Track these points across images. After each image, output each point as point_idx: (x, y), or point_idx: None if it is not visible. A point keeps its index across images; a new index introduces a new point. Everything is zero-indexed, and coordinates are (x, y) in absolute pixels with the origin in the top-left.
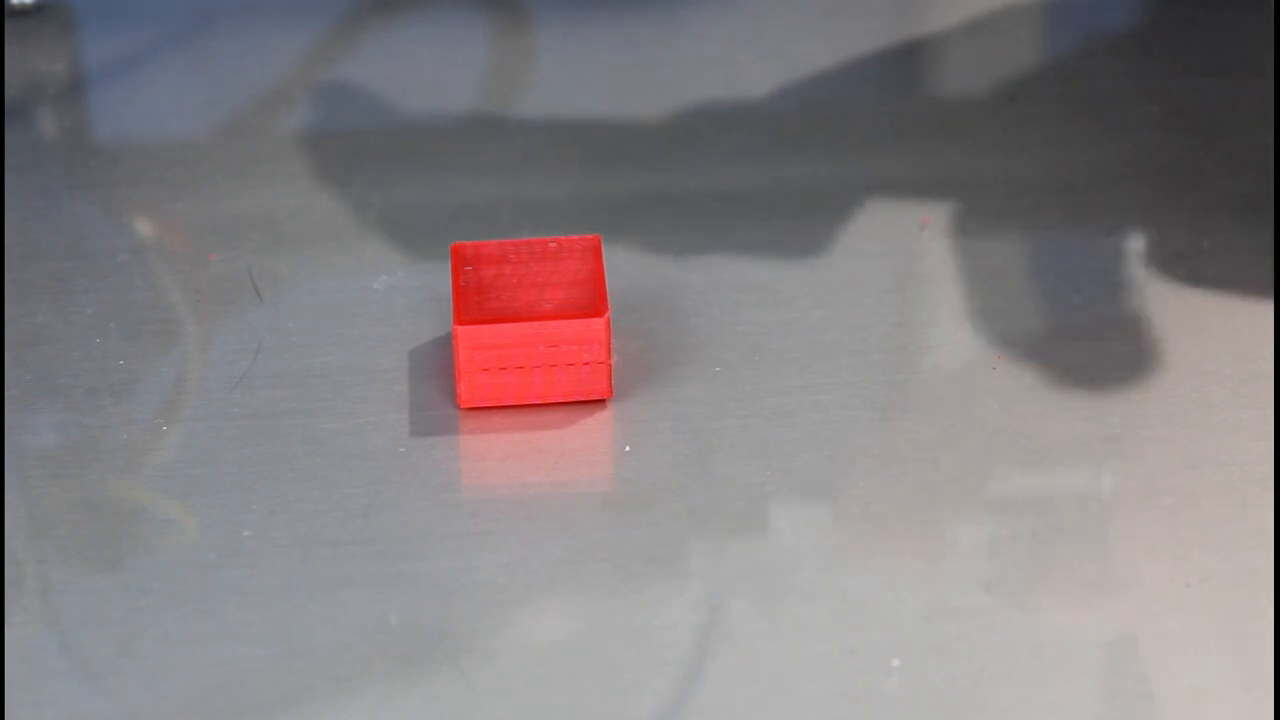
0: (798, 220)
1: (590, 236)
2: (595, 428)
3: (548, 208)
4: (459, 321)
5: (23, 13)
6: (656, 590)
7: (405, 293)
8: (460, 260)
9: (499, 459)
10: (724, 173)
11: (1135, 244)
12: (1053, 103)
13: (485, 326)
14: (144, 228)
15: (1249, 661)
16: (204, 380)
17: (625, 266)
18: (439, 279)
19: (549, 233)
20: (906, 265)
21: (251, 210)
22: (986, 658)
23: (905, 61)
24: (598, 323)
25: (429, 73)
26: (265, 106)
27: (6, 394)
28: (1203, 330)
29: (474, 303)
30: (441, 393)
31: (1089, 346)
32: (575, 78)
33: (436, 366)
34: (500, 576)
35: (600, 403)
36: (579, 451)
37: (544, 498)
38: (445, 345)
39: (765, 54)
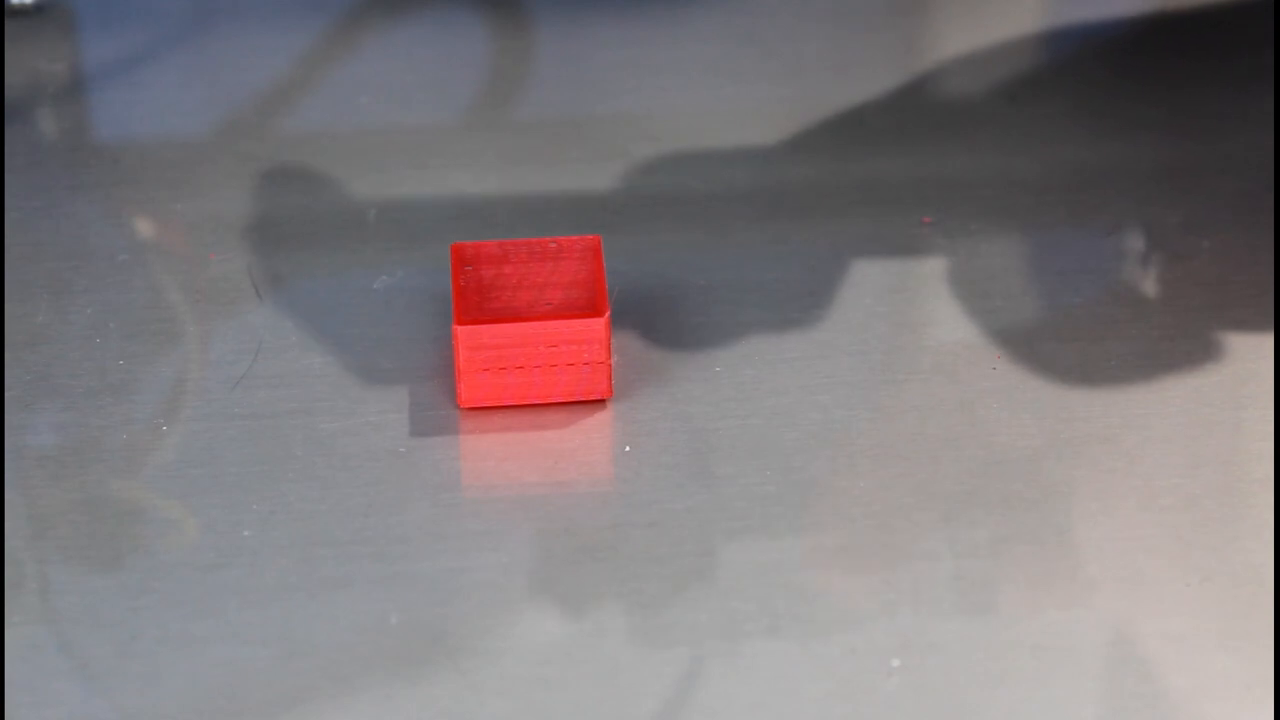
0: (798, 220)
1: (590, 236)
2: (595, 428)
3: (548, 208)
4: (459, 321)
5: (23, 13)
6: (656, 590)
7: (405, 293)
8: (460, 260)
9: (499, 459)
10: (724, 173)
11: (1135, 244)
12: (1053, 103)
13: (485, 326)
14: (144, 228)
15: (1249, 661)
16: (204, 380)
17: (625, 266)
18: (439, 279)
19: (549, 233)
20: (906, 265)
21: (251, 210)
22: (986, 658)
23: (905, 61)
24: (598, 323)
25: (429, 73)
26: (265, 106)
27: (6, 394)
28: (1203, 330)
29: (474, 303)
30: (441, 393)
31: (1089, 346)
32: (575, 78)
33: (436, 366)
34: (500, 576)
35: (600, 403)
36: (579, 451)
37: (544, 498)
38: (445, 345)
39: (765, 54)
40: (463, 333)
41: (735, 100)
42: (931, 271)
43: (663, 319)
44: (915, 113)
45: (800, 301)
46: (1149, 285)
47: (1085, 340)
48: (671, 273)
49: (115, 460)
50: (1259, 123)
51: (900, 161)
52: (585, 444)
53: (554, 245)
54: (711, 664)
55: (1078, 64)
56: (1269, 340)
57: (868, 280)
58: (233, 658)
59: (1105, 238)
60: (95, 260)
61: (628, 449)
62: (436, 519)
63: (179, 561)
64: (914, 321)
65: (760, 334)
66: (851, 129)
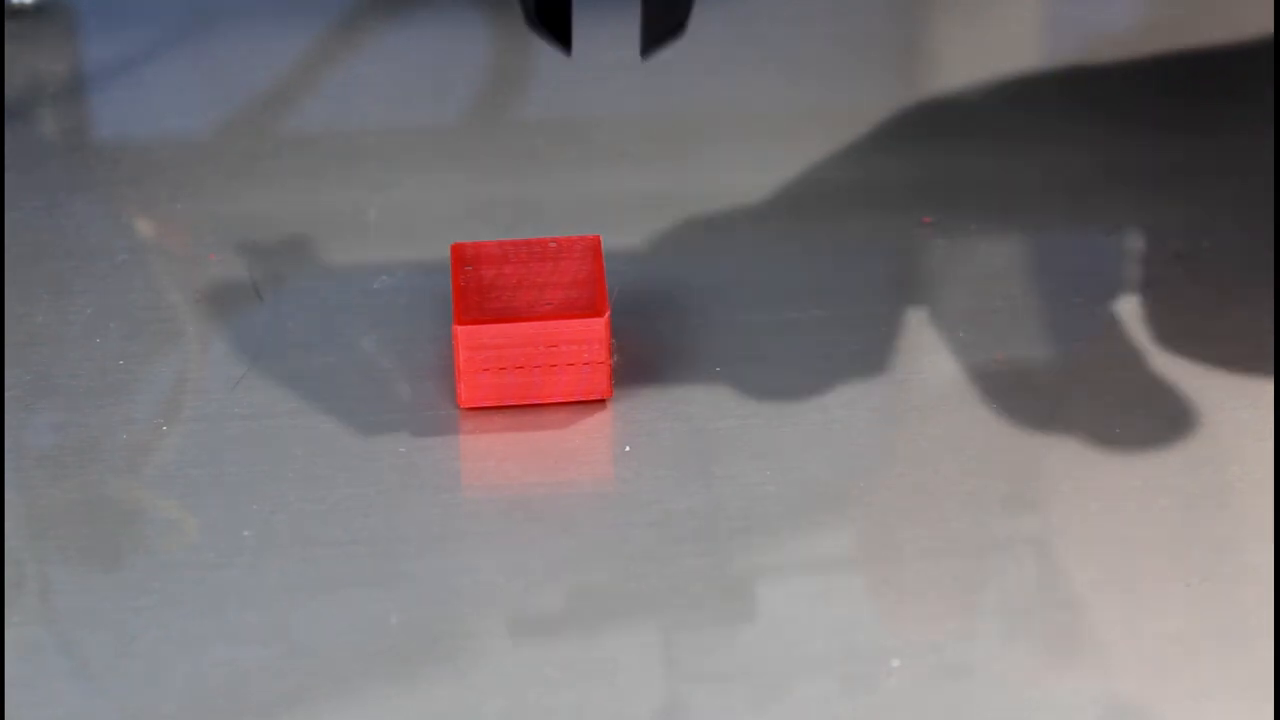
0: (798, 220)
1: (590, 236)
2: (595, 428)
3: (548, 208)
4: (459, 321)
5: (23, 13)
6: (657, 590)
7: (405, 293)
8: (460, 260)
9: (499, 459)
10: (724, 173)
11: (1135, 244)
12: (1053, 103)
13: (485, 326)
14: (144, 228)
15: (1249, 661)
16: (204, 380)
17: (625, 266)
18: (439, 279)
19: (549, 233)
20: (906, 265)
21: (251, 210)
22: (986, 658)
23: (905, 61)
24: (598, 323)
25: (429, 73)
26: (265, 106)
27: (6, 394)
28: (1203, 330)
29: (474, 303)
30: (441, 393)
31: (1089, 346)
32: (575, 78)
33: (436, 366)
34: (500, 576)
35: (600, 403)
36: (579, 451)
37: (544, 498)
38: (445, 345)
39: (765, 54)
40: (463, 333)
41: (735, 100)
42: (931, 271)
43: (663, 319)
44: (915, 113)
45: (800, 301)
46: (1149, 285)
47: (1085, 340)
48: (671, 273)
49: (115, 460)
50: (1259, 123)
51: (900, 161)
52: (585, 444)
53: (554, 245)
54: (711, 664)
55: (1078, 64)
56: (1269, 340)
57: (868, 280)
58: (233, 658)
59: (1105, 238)
60: (95, 260)
61: (628, 449)
62: (436, 519)
63: (179, 561)
64: (914, 321)
65: (760, 334)
66: (851, 129)
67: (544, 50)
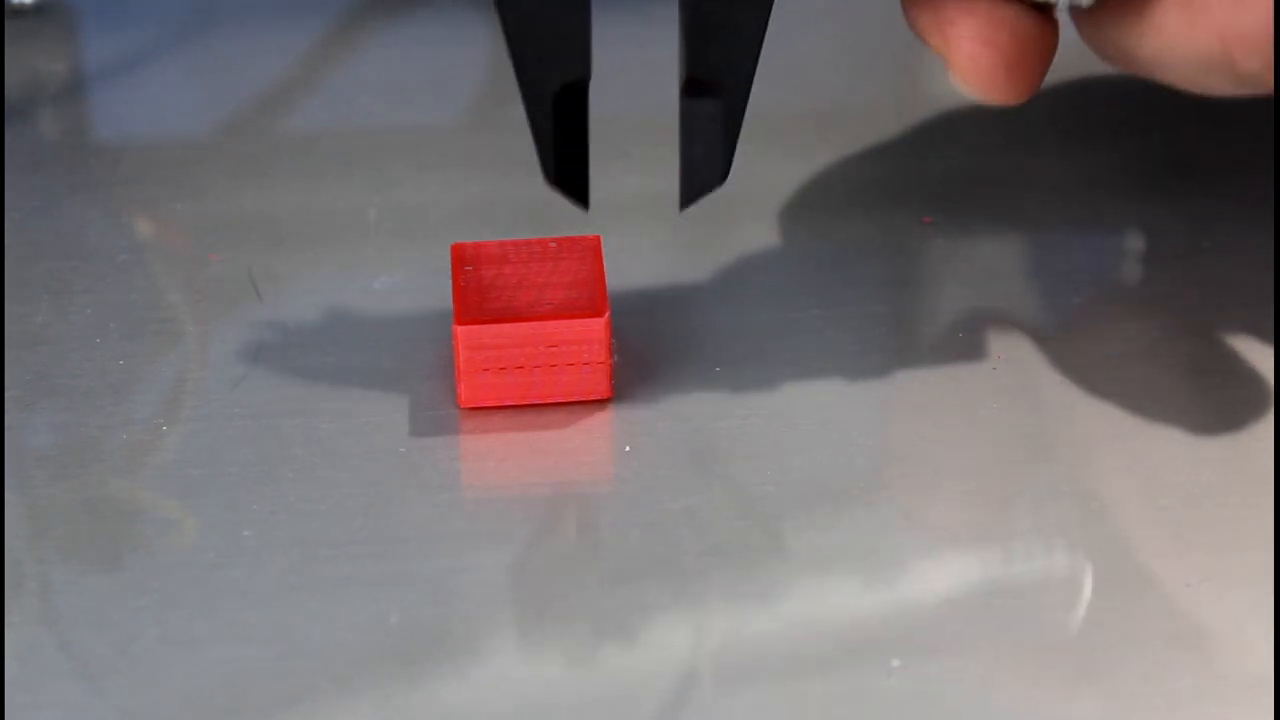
0: (798, 220)
1: (590, 236)
2: (595, 428)
3: (548, 208)
4: (459, 321)
5: (23, 13)
6: (656, 590)
7: (405, 293)
8: (460, 260)
9: (499, 459)
10: None
11: (1135, 244)
12: (1053, 103)
13: (485, 327)
14: (144, 228)
15: (1249, 661)
16: (204, 380)
17: (625, 266)
18: (439, 279)
19: (549, 233)
20: (906, 265)
21: (251, 210)
22: (986, 658)
23: (905, 61)
24: (598, 323)
25: (429, 73)
26: (265, 106)
27: (6, 394)
28: (1203, 330)
29: (474, 303)
30: (441, 393)
31: (1089, 346)
32: None
33: (436, 366)
34: (500, 576)
35: (600, 403)
36: (579, 451)
37: (544, 498)
38: (445, 345)
39: (765, 54)
40: (463, 333)
41: None
42: (931, 271)
43: (663, 319)
44: (915, 113)
45: (800, 301)
46: (1149, 285)
47: (1085, 340)
48: (671, 273)
49: (115, 460)
50: (1259, 123)
51: (900, 161)
52: (585, 444)
53: (554, 245)
54: (711, 665)
55: (1078, 63)
56: (1269, 340)
57: (868, 280)
58: (233, 658)
59: (1105, 238)
60: (95, 260)
61: (628, 449)
62: (436, 519)
63: (179, 561)
64: (914, 321)
65: (760, 334)
66: (851, 129)
67: None
